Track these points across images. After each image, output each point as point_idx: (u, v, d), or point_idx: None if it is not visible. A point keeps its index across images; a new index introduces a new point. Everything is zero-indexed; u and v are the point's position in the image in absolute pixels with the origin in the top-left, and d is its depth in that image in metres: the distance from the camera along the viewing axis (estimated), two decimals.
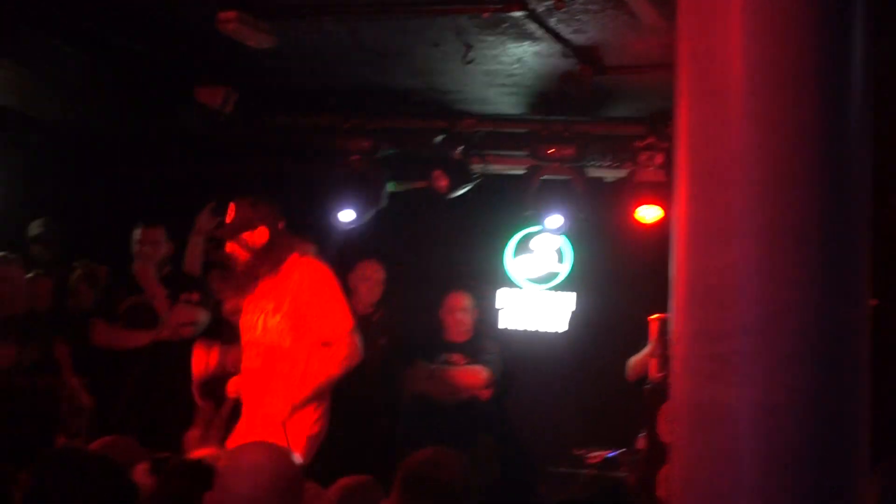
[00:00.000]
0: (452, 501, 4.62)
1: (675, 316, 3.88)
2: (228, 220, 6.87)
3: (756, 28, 3.84)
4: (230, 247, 6.85)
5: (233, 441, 6.86)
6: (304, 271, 6.83)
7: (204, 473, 4.45)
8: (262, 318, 6.81)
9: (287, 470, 4.06)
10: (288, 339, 6.76)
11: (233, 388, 7.23)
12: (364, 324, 9.44)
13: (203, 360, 7.41)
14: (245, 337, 6.93)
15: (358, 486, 5.45)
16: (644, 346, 8.64)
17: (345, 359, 6.76)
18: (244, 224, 6.81)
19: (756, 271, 3.74)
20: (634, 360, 8.88)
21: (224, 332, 8.44)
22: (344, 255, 9.86)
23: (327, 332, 6.73)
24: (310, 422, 6.85)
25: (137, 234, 9.19)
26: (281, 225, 6.90)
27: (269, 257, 6.81)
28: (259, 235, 6.80)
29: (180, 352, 8.87)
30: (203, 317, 9.08)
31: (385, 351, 9.50)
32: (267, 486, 3.99)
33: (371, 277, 9.71)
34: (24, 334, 8.81)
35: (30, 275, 9.28)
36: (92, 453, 4.01)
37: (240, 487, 3.99)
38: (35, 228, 10.35)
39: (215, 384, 7.62)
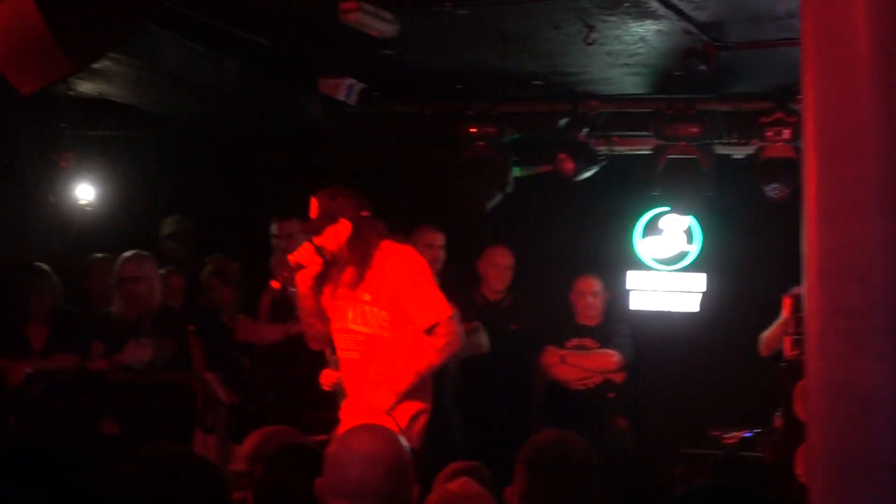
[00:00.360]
0: (578, 481, 4.60)
1: (808, 293, 3.83)
2: (312, 215, 6.79)
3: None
4: (318, 241, 6.77)
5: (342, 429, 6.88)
6: (398, 261, 6.74)
7: (309, 458, 4.46)
8: (360, 308, 6.76)
9: (399, 453, 4.00)
10: (387, 328, 6.70)
11: (325, 380, 7.26)
12: (494, 310, 9.49)
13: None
14: (337, 325, 6.89)
15: (469, 471, 5.45)
16: (776, 319, 8.55)
17: (443, 348, 6.67)
18: (326, 218, 6.73)
19: (888, 246, 3.69)
20: (767, 334, 8.79)
21: None
22: (472, 242, 9.88)
23: (425, 321, 6.65)
24: (414, 410, 6.81)
25: (273, 228, 9.28)
26: (364, 213, 6.81)
27: (355, 248, 6.74)
28: (342, 228, 6.72)
29: None
30: None
31: (515, 337, 9.51)
32: (379, 469, 3.93)
33: (500, 263, 9.72)
34: (160, 331, 8.92)
35: (162, 271, 9.40)
36: (181, 451, 3.95)
37: (352, 472, 3.92)
38: (168, 226, 10.50)
39: None
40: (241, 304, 9.49)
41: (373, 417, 6.58)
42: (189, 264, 10.31)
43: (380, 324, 6.70)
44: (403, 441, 4.11)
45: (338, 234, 6.70)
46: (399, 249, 6.79)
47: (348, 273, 6.75)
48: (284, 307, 8.97)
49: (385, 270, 6.69)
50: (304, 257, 6.76)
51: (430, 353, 6.65)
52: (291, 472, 4.52)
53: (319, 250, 6.74)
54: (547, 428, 4.94)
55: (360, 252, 6.71)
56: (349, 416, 6.79)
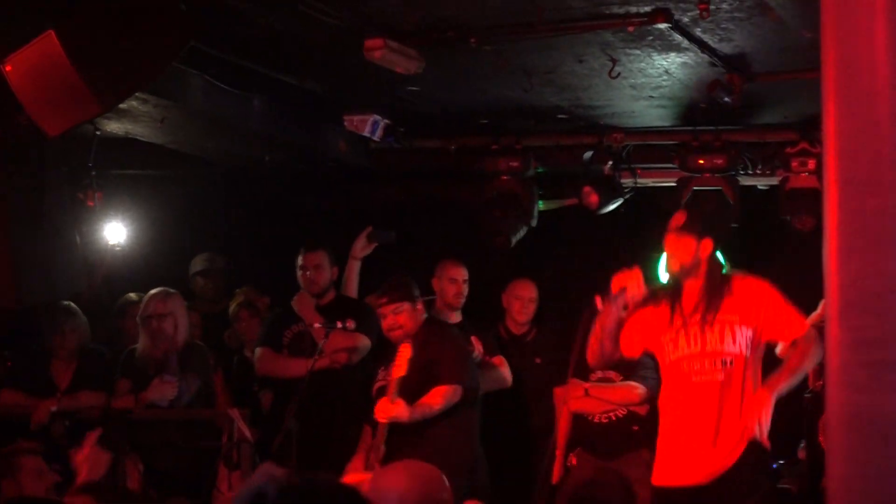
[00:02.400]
0: None
1: (829, 324, 3.84)
2: (677, 223, 7.11)
3: None
4: (669, 248, 7.12)
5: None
6: (756, 285, 7.02)
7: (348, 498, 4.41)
8: (728, 330, 6.94)
9: (434, 489, 3.91)
10: (750, 347, 6.92)
11: (381, 414, 7.43)
12: (518, 343, 9.49)
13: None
14: (683, 352, 7.03)
15: None
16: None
17: (814, 353, 6.84)
18: (695, 232, 7.03)
19: None
20: None
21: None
22: (497, 276, 9.88)
23: (792, 334, 6.89)
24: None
25: (300, 259, 9.31)
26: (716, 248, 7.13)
27: (712, 270, 7.03)
28: (705, 247, 7.00)
29: (337, 379, 8.94)
30: (363, 342, 9.08)
31: (540, 370, 9.50)
32: None
33: (523, 296, 9.71)
34: (185, 368, 8.95)
35: None
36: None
37: None
38: (198, 264, 10.53)
39: None
40: (261, 337, 9.47)
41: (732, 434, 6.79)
42: (217, 301, 10.35)
43: (746, 343, 6.93)
44: (442, 475, 3.98)
45: (700, 249, 7.01)
46: (752, 278, 7.10)
47: (700, 298, 7.03)
48: (306, 342, 8.99)
49: (746, 292, 6.97)
50: (632, 283, 7.12)
51: (803, 359, 6.87)
52: None
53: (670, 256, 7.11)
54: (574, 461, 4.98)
55: (715, 275, 7.03)
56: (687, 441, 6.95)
